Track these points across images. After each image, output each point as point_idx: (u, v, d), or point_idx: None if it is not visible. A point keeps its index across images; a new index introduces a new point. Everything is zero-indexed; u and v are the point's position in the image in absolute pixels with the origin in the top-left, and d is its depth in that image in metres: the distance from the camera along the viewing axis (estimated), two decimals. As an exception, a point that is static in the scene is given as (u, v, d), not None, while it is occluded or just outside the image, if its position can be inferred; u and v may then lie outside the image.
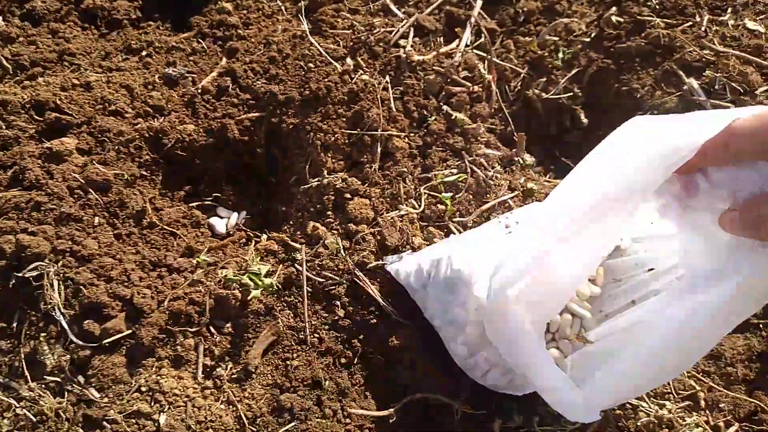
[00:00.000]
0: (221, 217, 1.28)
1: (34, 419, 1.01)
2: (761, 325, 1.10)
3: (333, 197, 1.17)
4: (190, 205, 1.27)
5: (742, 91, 1.23)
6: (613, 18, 1.34)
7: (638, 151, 0.67)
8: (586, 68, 1.33)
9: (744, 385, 1.06)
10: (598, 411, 0.83)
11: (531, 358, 0.81)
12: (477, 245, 1.02)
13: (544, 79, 1.33)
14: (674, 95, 1.26)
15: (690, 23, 1.32)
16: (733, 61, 1.25)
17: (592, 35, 1.35)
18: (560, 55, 1.32)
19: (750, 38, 1.30)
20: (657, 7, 1.34)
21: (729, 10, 1.35)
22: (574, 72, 1.32)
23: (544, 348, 0.83)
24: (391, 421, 1.02)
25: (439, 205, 1.15)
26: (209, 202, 1.29)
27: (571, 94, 1.32)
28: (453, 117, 1.20)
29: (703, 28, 1.30)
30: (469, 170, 1.16)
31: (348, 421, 1.01)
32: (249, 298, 1.06)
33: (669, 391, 1.04)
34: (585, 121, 1.31)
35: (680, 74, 1.27)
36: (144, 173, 1.24)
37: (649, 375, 0.82)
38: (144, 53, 1.37)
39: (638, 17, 1.33)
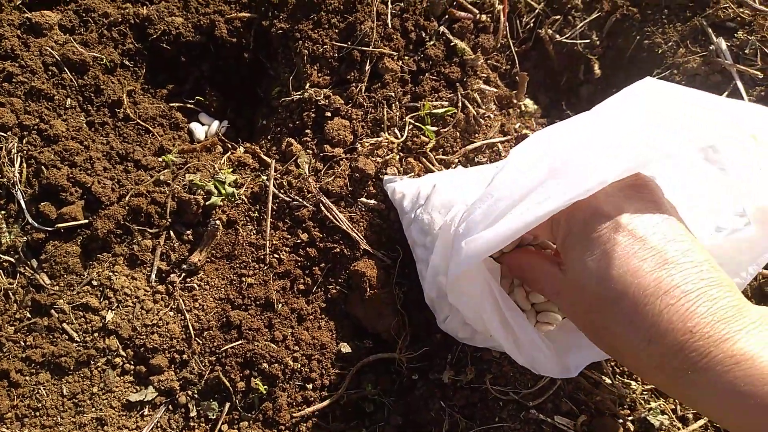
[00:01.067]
0: (202, 124, 1.23)
1: (-20, 296, 1.00)
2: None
3: (313, 114, 1.10)
4: (171, 105, 1.21)
5: (774, 59, 1.12)
6: (648, -39, 1.21)
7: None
8: (609, 14, 1.22)
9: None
10: (575, 369, 0.79)
11: (498, 315, 0.77)
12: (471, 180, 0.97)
13: (561, 19, 1.22)
14: (698, 55, 1.15)
15: (732, -24, 1.19)
16: (770, 24, 1.14)
17: (621, -23, 1.23)
18: (582, -6, 1.21)
19: (797, 1, 1.18)
20: (699, -46, 1.21)
21: (781, -34, 1.21)
22: (594, 16, 1.21)
23: (513, 304, 0.78)
24: (342, 352, 0.99)
25: (422, 137, 1.08)
26: (191, 106, 1.23)
27: (588, 41, 1.21)
28: (453, 44, 1.11)
29: (745, -16, 1.18)
30: (460, 104, 1.09)
31: (296, 348, 0.99)
32: (207, 203, 1.02)
33: (638, 370, 0.99)
34: (598, 72, 1.21)
35: (709, 32, 1.15)
36: (126, 63, 1.18)
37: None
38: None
39: (676, -37, 1.20)
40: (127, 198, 1.04)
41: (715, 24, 1.17)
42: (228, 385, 0.96)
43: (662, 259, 0.57)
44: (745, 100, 1.11)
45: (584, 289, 0.62)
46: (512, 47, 1.19)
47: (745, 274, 0.74)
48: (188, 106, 1.23)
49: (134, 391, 0.99)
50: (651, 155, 0.62)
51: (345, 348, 1.01)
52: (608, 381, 0.95)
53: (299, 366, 0.98)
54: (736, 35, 1.14)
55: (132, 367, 0.99)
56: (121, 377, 0.99)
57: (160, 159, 1.10)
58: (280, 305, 1.01)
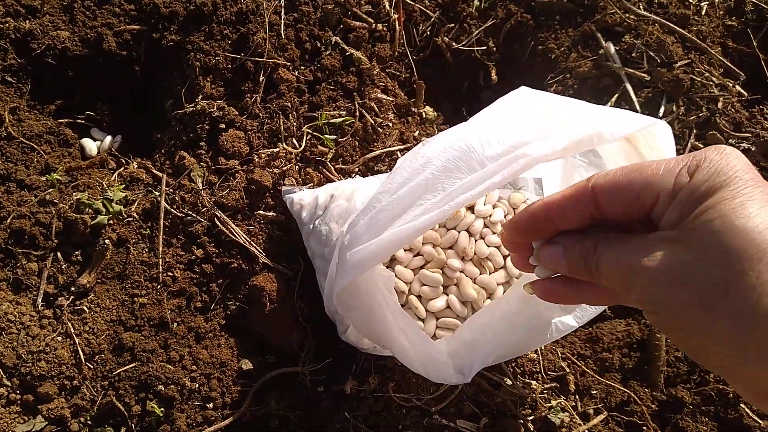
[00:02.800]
0: (94, 139, 1.18)
1: None
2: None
3: (208, 126, 1.08)
4: (60, 120, 1.16)
5: (659, 61, 1.17)
6: (539, -31, 1.24)
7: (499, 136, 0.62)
8: (504, 21, 1.24)
9: (619, 373, 1.01)
10: (468, 373, 0.79)
11: (391, 325, 0.76)
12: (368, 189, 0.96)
13: (456, 27, 1.23)
14: (589, 59, 1.18)
15: (619, -17, 1.23)
16: (655, 28, 1.18)
17: (515, -15, 1.25)
18: (476, 2, 1.22)
19: (678, 7, 1.23)
20: (587, -38, 1.25)
21: (664, -26, 1.27)
22: (490, 23, 1.23)
23: (405, 313, 0.78)
24: (243, 369, 0.96)
25: (321, 147, 1.07)
26: (82, 121, 1.18)
27: (485, 47, 1.23)
28: (349, 54, 1.10)
29: (630, -10, 1.22)
30: (358, 113, 1.08)
31: (194, 368, 0.95)
32: (91, 224, 0.98)
33: (538, 370, 0.99)
34: (495, 78, 1.23)
35: (598, 37, 1.19)
36: (9, 79, 1.13)
37: (505, 339, 0.81)
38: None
39: (565, -29, 1.24)
40: (8, 220, 0.99)
41: (604, 29, 1.21)
42: (122, 409, 0.92)
43: None
44: (634, 101, 1.15)
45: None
46: (410, 55, 1.19)
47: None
48: (79, 121, 1.18)
49: (21, 421, 0.93)
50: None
51: (246, 365, 0.98)
52: (509, 382, 0.96)
53: (197, 386, 0.94)
54: (623, 39, 1.19)
55: (18, 396, 0.94)
56: (7, 408, 0.93)
57: (44, 178, 1.05)
58: (176, 324, 0.97)
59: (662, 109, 1.13)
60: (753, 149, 1.10)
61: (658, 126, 0.66)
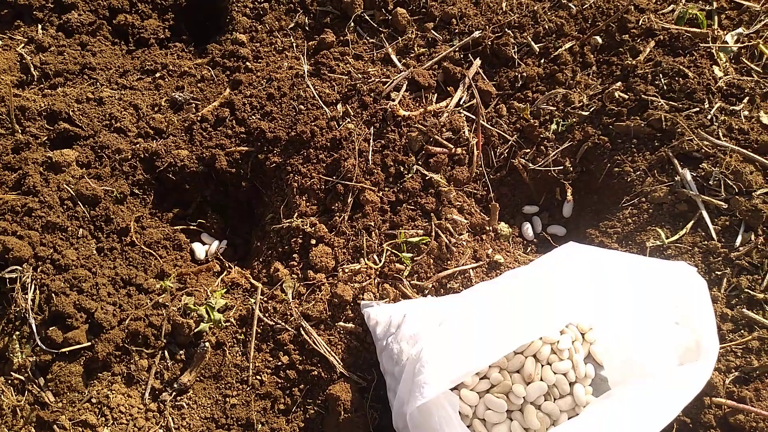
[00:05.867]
0: (203, 243, 1.34)
1: (-7, 413, 1.10)
2: None
3: (301, 240, 1.20)
4: (176, 227, 1.33)
5: (737, 190, 1.17)
6: (617, 93, 1.29)
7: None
8: (581, 142, 1.29)
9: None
10: None
11: None
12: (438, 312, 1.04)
13: (533, 149, 1.30)
14: (665, 185, 1.21)
15: (697, 109, 1.26)
16: (734, 156, 1.19)
17: (592, 109, 1.31)
18: (554, 126, 1.29)
19: (760, 133, 1.23)
20: (665, 87, 1.29)
21: (746, 99, 1.28)
22: (566, 145, 1.29)
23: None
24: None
25: (398, 264, 1.16)
26: (194, 227, 1.35)
27: (562, 167, 1.29)
28: (429, 177, 1.20)
29: (709, 116, 1.24)
30: (434, 233, 1.17)
31: (276, 466, 1.05)
32: (196, 330, 1.11)
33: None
34: (570, 198, 1.28)
35: (675, 163, 1.22)
36: (136, 191, 1.31)
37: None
38: (158, 74, 1.44)
39: (643, 96, 1.28)
40: (126, 321, 1.15)
41: (681, 155, 1.23)
42: (209, 504, 1.02)
43: None
44: (710, 228, 1.16)
45: None
46: (486, 175, 1.27)
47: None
48: (191, 227, 1.34)
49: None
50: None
51: (320, 468, 1.06)
52: None
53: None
54: (701, 166, 1.20)
55: (126, 482, 1.07)
56: (115, 491, 1.06)
57: (159, 285, 1.21)
58: (260, 425, 1.08)
59: (740, 238, 1.13)
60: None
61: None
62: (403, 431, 1.00)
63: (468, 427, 0.97)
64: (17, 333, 1.16)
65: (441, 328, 0.85)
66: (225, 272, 1.27)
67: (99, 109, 1.36)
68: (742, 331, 1.06)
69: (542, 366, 0.98)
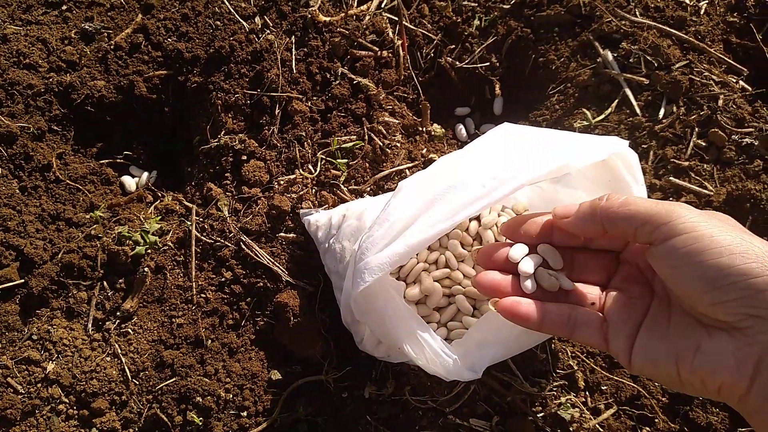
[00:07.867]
0: (133, 176, 1.30)
1: None
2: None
3: (231, 159, 1.17)
4: (101, 162, 1.29)
5: (656, 65, 1.20)
6: (536, -16, 1.30)
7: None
8: (505, 37, 1.30)
9: (629, 369, 1.04)
10: (480, 370, 0.84)
11: (403, 327, 0.83)
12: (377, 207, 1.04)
13: (459, 47, 1.30)
14: (588, 68, 1.23)
15: (614, -9, 1.27)
16: (651, 33, 1.22)
17: (513, 2, 1.31)
18: (477, 22, 1.29)
19: (675, 10, 1.26)
20: (582, -26, 1.30)
21: (659, -22, 1.30)
22: (491, 40, 1.29)
23: (416, 315, 0.85)
24: (273, 379, 1.05)
25: (334, 171, 1.15)
26: (121, 161, 1.30)
27: (488, 63, 1.29)
28: (357, 82, 1.19)
29: (626, -3, 1.26)
30: (367, 137, 1.16)
31: (228, 380, 1.05)
32: (131, 254, 1.09)
33: (547, 369, 1.03)
34: (499, 93, 1.29)
35: (596, 45, 1.23)
36: (54, 128, 1.25)
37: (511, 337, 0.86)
38: (64, 7, 1.37)
39: (561, -16, 1.29)
40: (59, 255, 1.11)
41: (601, 37, 1.25)
42: (166, 420, 1.02)
43: None
44: (634, 105, 1.18)
45: None
46: (415, 78, 1.26)
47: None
48: (118, 161, 1.30)
49: (79, 434, 1.04)
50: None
51: (275, 375, 1.07)
52: (519, 382, 1.01)
53: (232, 396, 1.03)
54: (621, 46, 1.23)
55: (75, 412, 1.05)
56: (66, 422, 1.04)
57: (89, 216, 1.17)
58: (210, 341, 1.07)
59: (662, 111, 1.17)
60: (756, 144, 1.12)
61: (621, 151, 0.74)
62: (352, 325, 1.01)
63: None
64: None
65: (379, 216, 0.85)
66: (158, 200, 1.23)
67: (4, 47, 1.28)
68: (671, 199, 1.10)
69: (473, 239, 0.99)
